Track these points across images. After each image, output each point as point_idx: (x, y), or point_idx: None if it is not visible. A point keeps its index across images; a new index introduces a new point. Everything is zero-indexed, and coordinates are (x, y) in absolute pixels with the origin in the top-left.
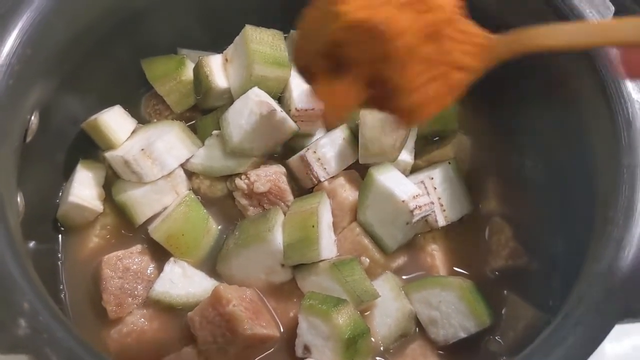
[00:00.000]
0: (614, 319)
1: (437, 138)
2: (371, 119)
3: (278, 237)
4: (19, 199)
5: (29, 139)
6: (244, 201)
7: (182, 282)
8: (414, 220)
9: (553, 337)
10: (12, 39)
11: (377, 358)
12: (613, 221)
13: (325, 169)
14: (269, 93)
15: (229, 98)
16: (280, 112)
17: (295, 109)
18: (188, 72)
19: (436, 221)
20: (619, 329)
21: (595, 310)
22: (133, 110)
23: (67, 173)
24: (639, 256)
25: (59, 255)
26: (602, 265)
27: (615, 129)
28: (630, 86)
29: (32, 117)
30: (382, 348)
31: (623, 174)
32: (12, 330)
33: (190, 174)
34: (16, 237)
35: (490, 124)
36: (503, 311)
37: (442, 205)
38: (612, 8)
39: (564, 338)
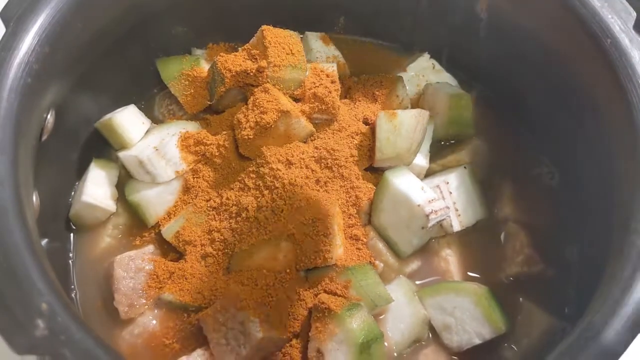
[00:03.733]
0: (637, 330)
1: (452, 142)
2: (386, 122)
3: None
4: (34, 198)
5: (44, 137)
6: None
7: None
8: (429, 225)
9: (575, 346)
10: (30, 37)
11: None
12: (636, 231)
13: None
14: (285, 92)
15: (243, 99)
16: None
17: None
18: (202, 73)
19: (451, 226)
20: None
21: (617, 321)
22: (147, 110)
23: (80, 172)
24: None
25: (71, 254)
26: (624, 275)
27: (636, 136)
28: None
29: (49, 116)
30: (395, 353)
31: None
32: (30, 332)
33: None
34: (34, 236)
35: (507, 129)
36: (518, 318)
37: (457, 210)
38: (634, 14)
39: (587, 347)
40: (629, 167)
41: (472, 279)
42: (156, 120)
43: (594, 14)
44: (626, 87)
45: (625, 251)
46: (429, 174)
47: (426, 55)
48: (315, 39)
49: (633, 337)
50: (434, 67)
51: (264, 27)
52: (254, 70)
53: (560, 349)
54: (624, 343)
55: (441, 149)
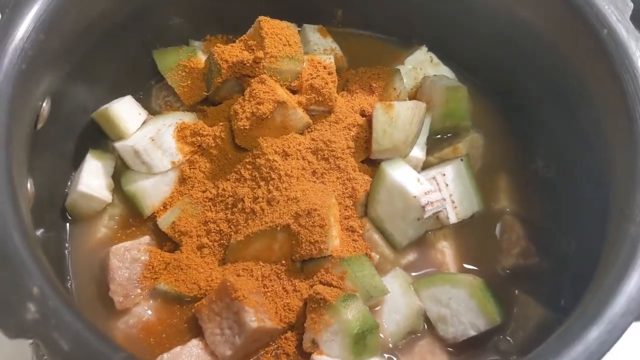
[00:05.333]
0: (631, 317)
1: (449, 135)
2: (383, 114)
3: None
4: (29, 185)
5: (40, 125)
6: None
7: None
8: (425, 216)
9: (568, 335)
10: (26, 24)
11: (386, 355)
12: (630, 218)
13: None
14: (282, 83)
15: (240, 90)
16: None
17: None
18: (199, 64)
19: (447, 218)
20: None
21: (611, 308)
22: (144, 101)
23: (77, 162)
24: None
25: (66, 244)
26: (618, 263)
27: (632, 126)
28: None
29: (44, 104)
30: (390, 344)
31: None
32: (21, 315)
33: None
34: (27, 223)
35: (504, 122)
36: (514, 310)
37: (453, 202)
38: (631, 4)
39: (580, 336)
40: (624, 157)
41: (468, 271)
42: (153, 112)
43: (591, 4)
44: (622, 77)
45: (619, 239)
46: (425, 166)
47: (424, 48)
48: (312, 32)
49: (627, 325)
50: (431, 60)
51: (261, 17)
52: (250, 61)
53: (554, 337)
54: (618, 332)
55: (438, 142)
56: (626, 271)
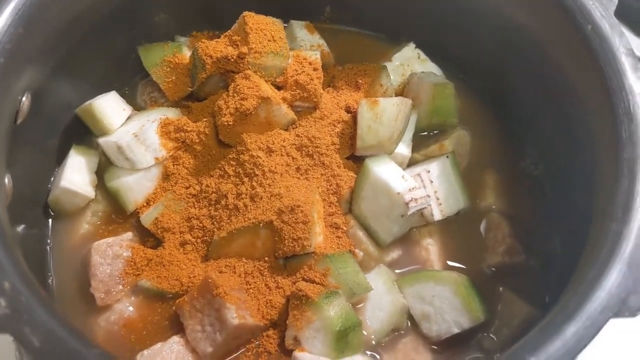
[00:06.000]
0: (610, 313)
1: (436, 132)
2: (368, 110)
3: None
4: (6, 181)
5: (19, 120)
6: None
7: None
8: (409, 213)
9: (546, 330)
10: (3, 18)
11: (369, 352)
12: (612, 215)
13: None
14: (267, 79)
15: (224, 86)
16: None
17: None
18: (184, 59)
19: (432, 215)
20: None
21: (589, 304)
22: (129, 97)
23: (60, 158)
24: (637, 251)
25: (49, 240)
26: (599, 260)
27: (616, 122)
28: (631, 79)
29: (24, 99)
30: (374, 342)
31: (623, 167)
32: None
33: None
34: (2, 217)
35: (492, 119)
36: (498, 308)
37: (438, 198)
38: (615, 0)
39: (558, 332)
40: (608, 155)
41: (453, 269)
42: (139, 108)
43: (576, 0)
44: (606, 73)
45: (601, 237)
46: (412, 163)
47: (411, 45)
48: (300, 28)
49: (605, 322)
50: (419, 57)
51: (245, 13)
52: (234, 57)
53: (533, 333)
54: (596, 328)
55: (425, 139)
56: (606, 268)
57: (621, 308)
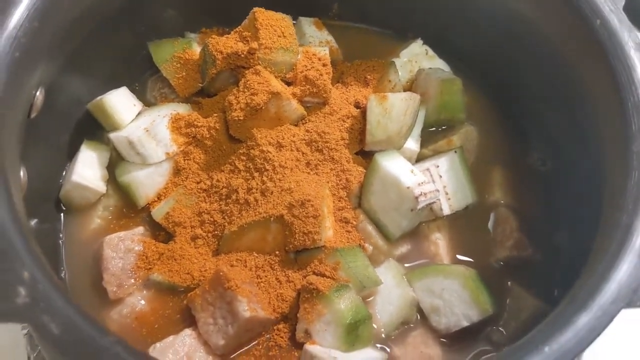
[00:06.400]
0: (621, 304)
1: (444, 128)
2: (377, 105)
3: None
4: (21, 174)
5: (33, 114)
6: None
7: None
8: (418, 207)
9: (558, 321)
10: (19, 11)
11: (379, 345)
12: (622, 208)
13: None
14: (277, 75)
15: (235, 82)
16: None
17: None
18: (195, 55)
19: (441, 209)
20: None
21: (601, 295)
22: (139, 93)
23: (72, 153)
24: None
25: (61, 235)
26: (610, 251)
27: (625, 115)
28: None
29: (37, 93)
30: (383, 335)
31: (633, 160)
32: (11, 299)
33: None
34: (19, 210)
35: (499, 115)
36: (507, 302)
37: (447, 193)
38: None
39: (570, 322)
40: (618, 148)
41: (462, 263)
42: (149, 103)
43: None
44: (615, 68)
45: (611, 229)
46: (420, 158)
47: (419, 41)
48: (308, 24)
49: (616, 312)
50: (427, 53)
51: (255, 9)
52: (245, 52)
53: (544, 324)
54: (608, 318)
55: (433, 134)
56: (617, 259)
57: (632, 298)
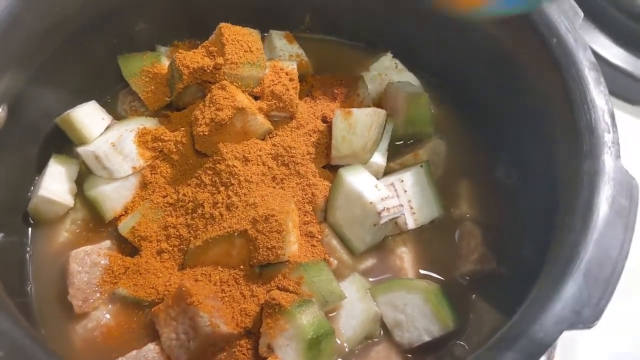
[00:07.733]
0: (564, 325)
1: (412, 141)
2: (342, 121)
3: None
4: None
5: None
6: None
7: None
8: (381, 222)
9: (501, 343)
10: None
11: None
12: (570, 227)
13: None
14: (244, 89)
15: (203, 96)
16: None
17: None
18: (163, 69)
19: (405, 224)
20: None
21: (545, 316)
22: (110, 106)
23: (41, 166)
24: (592, 263)
25: (28, 248)
26: (557, 271)
27: (578, 135)
28: (594, 92)
29: (0, 110)
30: (347, 349)
31: (583, 180)
32: None
33: None
34: None
35: (467, 128)
36: (470, 316)
37: (412, 208)
38: (581, 14)
39: (516, 341)
40: (571, 169)
41: (426, 277)
42: (120, 117)
43: (542, 14)
44: (569, 87)
45: (561, 247)
46: (388, 172)
47: (389, 55)
48: (279, 38)
49: (559, 333)
50: (396, 67)
51: (222, 24)
52: (211, 67)
53: (486, 347)
54: (550, 339)
55: (401, 148)
56: (563, 279)
57: (575, 320)
